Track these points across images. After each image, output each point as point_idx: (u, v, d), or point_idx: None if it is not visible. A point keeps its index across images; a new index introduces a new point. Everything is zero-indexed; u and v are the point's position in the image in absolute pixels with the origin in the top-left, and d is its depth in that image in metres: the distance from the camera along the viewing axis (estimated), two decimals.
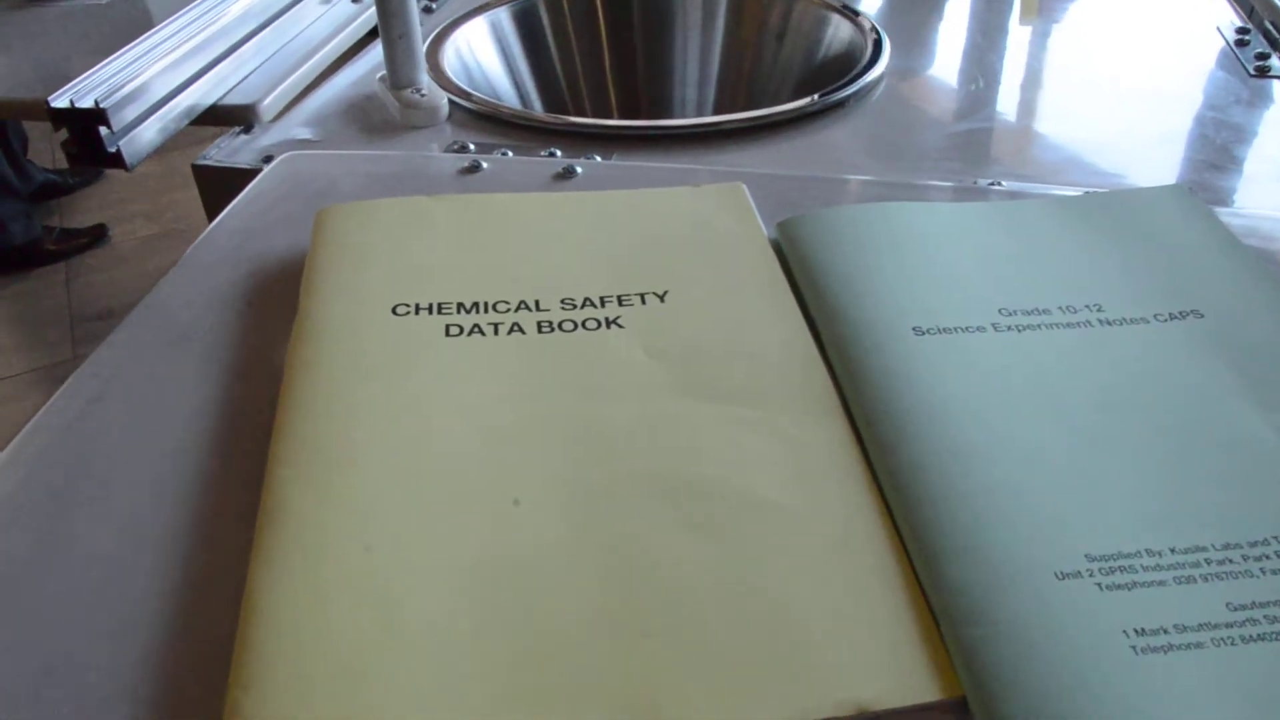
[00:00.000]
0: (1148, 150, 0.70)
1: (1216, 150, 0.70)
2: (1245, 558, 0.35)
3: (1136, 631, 0.33)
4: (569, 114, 0.82)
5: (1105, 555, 0.35)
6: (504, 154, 0.65)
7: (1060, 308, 0.46)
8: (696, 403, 0.42)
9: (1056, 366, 0.43)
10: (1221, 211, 0.54)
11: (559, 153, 0.66)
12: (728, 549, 0.36)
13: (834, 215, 0.51)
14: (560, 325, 0.46)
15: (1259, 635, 0.33)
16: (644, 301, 0.48)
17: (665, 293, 0.48)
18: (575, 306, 0.47)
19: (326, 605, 0.33)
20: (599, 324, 0.46)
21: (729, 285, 0.49)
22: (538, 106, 0.86)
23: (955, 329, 0.44)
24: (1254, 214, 0.56)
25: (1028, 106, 0.77)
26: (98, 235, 2.64)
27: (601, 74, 0.89)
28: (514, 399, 0.42)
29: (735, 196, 0.55)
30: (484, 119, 0.71)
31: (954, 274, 0.47)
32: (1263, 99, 0.77)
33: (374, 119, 0.73)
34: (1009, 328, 0.44)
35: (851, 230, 0.50)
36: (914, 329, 0.44)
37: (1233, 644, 0.32)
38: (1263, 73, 0.80)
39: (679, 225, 0.53)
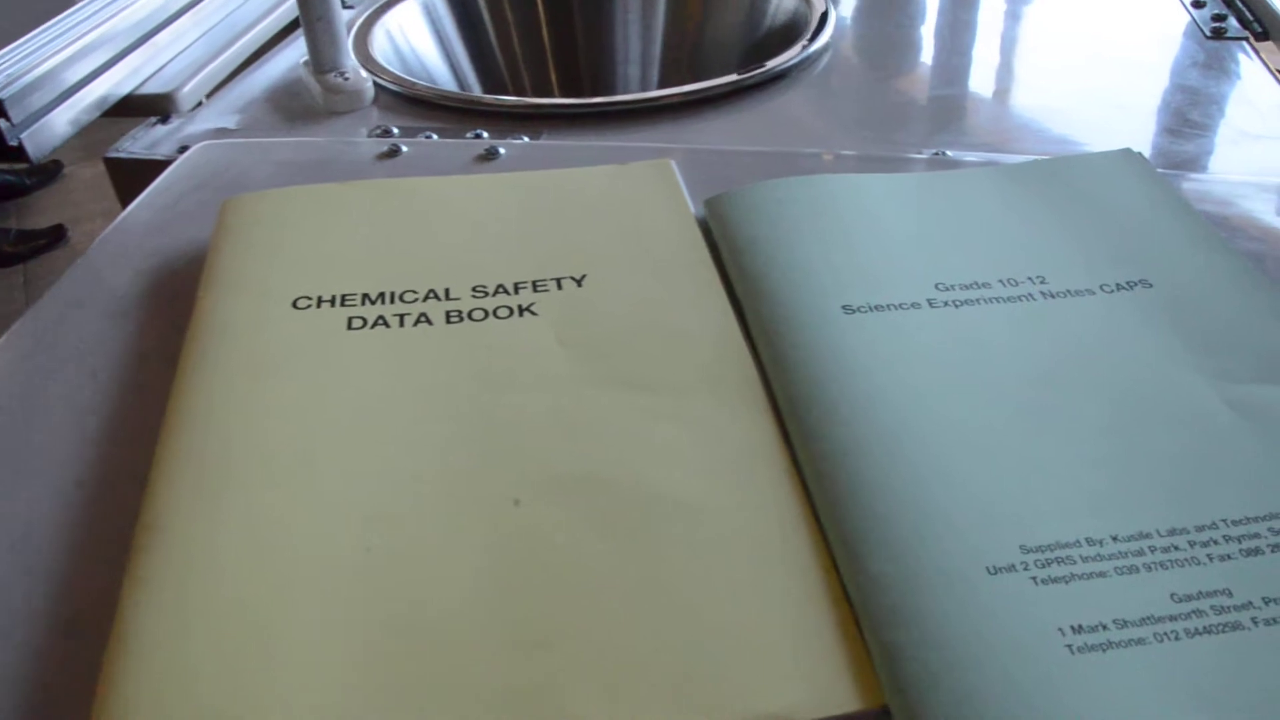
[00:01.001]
0: (1100, 115, 0.67)
1: (1171, 114, 0.67)
2: (1192, 544, 0.33)
3: (1073, 629, 0.30)
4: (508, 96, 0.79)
5: (1042, 546, 0.32)
6: (428, 137, 0.62)
7: (1001, 281, 0.43)
8: (609, 393, 0.39)
9: (995, 343, 0.40)
10: (1173, 176, 0.52)
11: (486, 134, 0.63)
12: (636, 550, 0.33)
13: (762, 190, 0.48)
14: (470, 314, 0.44)
15: (1205, 628, 0.30)
16: (560, 287, 0.45)
17: (583, 277, 0.45)
18: (487, 294, 0.45)
19: (201, 632, 0.30)
20: (511, 312, 0.44)
21: (651, 267, 0.46)
22: (477, 90, 0.83)
23: (887, 306, 0.41)
24: (1206, 178, 0.53)
25: (978, 74, 0.74)
26: (57, 236, 2.58)
27: (541, 54, 0.86)
28: (413, 395, 0.39)
29: (662, 174, 0.52)
30: (410, 102, 0.68)
31: (888, 248, 0.45)
32: (1218, 61, 0.74)
33: (298, 106, 0.70)
34: (945, 303, 0.42)
35: (780, 205, 0.47)
36: (843, 307, 0.41)
37: (1176, 638, 0.30)
38: (1219, 34, 0.78)
39: (601, 206, 0.50)
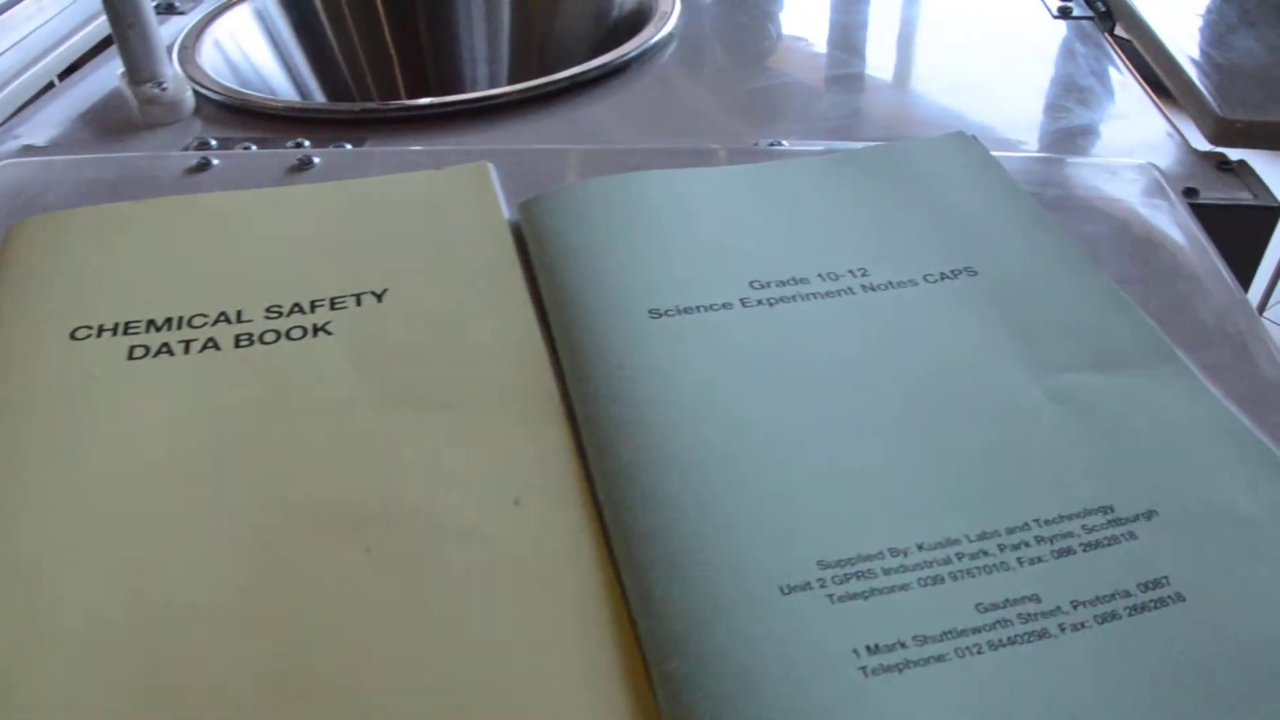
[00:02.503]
0: (948, 99, 0.66)
1: (1015, 95, 0.66)
2: (1002, 547, 0.31)
3: (869, 649, 0.28)
4: (335, 102, 0.75)
5: (841, 560, 0.30)
6: (247, 148, 0.59)
7: (820, 275, 0.41)
8: (398, 415, 0.37)
9: (808, 343, 0.38)
10: (1009, 157, 0.50)
11: (308, 144, 0.59)
12: (417, 588, 0.31)
13: (574, 191, 0.45)
14: (261, 337, 0.40)
15: (1010, 639, 0.28)
16: (359, 303, 0.42)
17: (384, 291, 0.43)
18: (282, 314, 0.42)
19: None
20: (305, 332, 0.41)
21: (456, 278, 0.43)
22: (319, 97, 0.79)
23: (697, 308, 0.39)
24: (1043, 158, 0.52)
25: (823, 61, 0.73)
26: None
27: (386, 58, 0.82)
28: (188, 427, 0.36)
29: (478, 178, 0.50)
30: (234, 112, 0.64)
31: (704, 247, 0.42)
32: (1064, 40, 0.74)
33: (115, 120, 0.66)
34: (759, 302, 0.40)
35: (593, 205, 0.44)
36: (650, 312, 0.39)
37: (979, 652, 0.28)
38: (1065, 14, 0.77)
39: (410, 214, 0.47)
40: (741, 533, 0.31)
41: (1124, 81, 0.68)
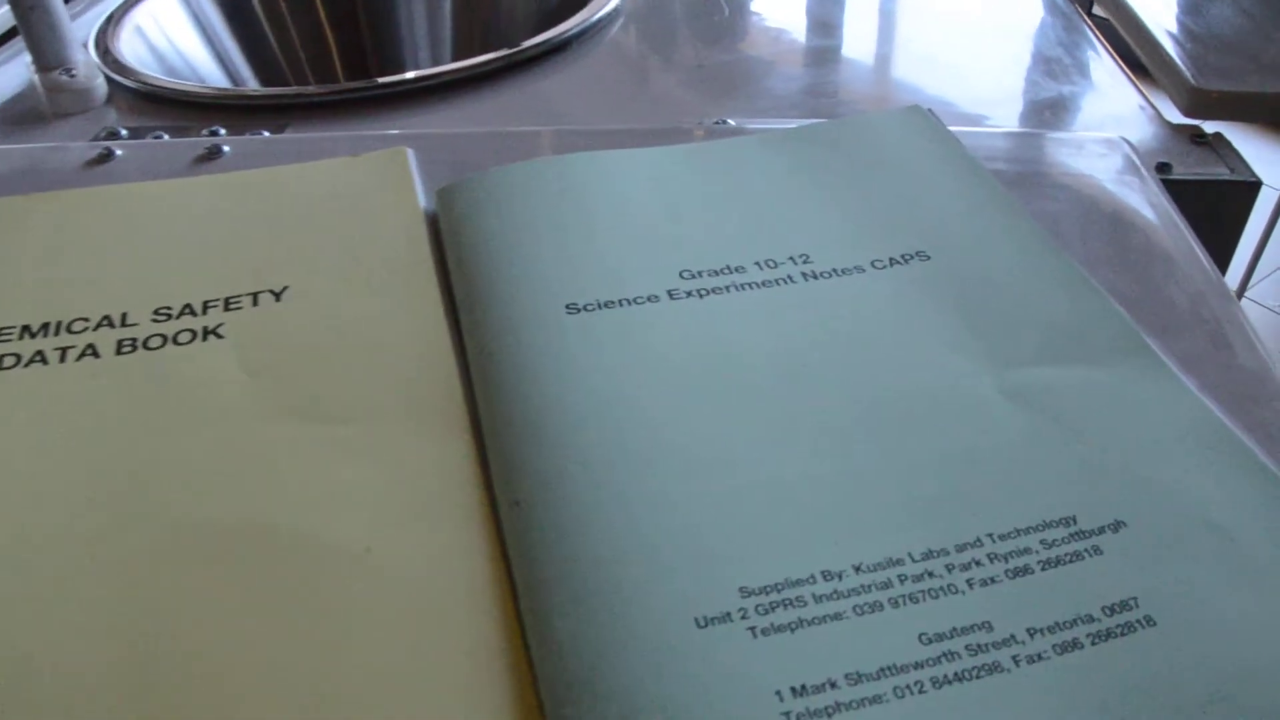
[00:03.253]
0: (907, 74, 0.62)
1: (981, 70, 0.62)
2: (950, 568, 0.27)
3: (794, 691, 0.24)
4: (254, 87, 0.71)
5: (767, 586, 0.27)
6: (158, 137, 0.55)
7: (758, 263, 0.37)
8: (290, 426, 0.33)
9: (742, 338, 0.34)
10: (971, 132, 0.46)
11: (224, 131, 0.55)
12: (296, 619, 0.27)
13: (496, 176, 0.42)
14: (146, 342, 0.37)
15: (956, 674, 0.25)
16: (256, 302, 0.38)
17: (284, 290, 0.39)
18: (171, 316, 0.38)
19: None
20: (195, 336, 0.37)
21: (363, 274, 0.39)
22: (253, 85, 0.75)
23: (620, 302, 0.35)
24: (1006, 131, 0.48)
25: (779, 36, 0.69)
26: None
27: (322, 40, 0.78)
28: (56, 444, 0.33)
29: (395, 165, 0.46)
30: (149, 100, 0.60)
31: (631, 234, 0.39)
32: (1038, 18, 0.70)
33: (21, 109, 0.61)
34: (689, 293, 0.36)
35: (514, 192, 0.41)
36: (568, 307, 0.35)
37: (921, 690, 0.24)
38: None
39: (317, 205, 0.43)
40: (657, 557, 0.27)
41: (1097, 57, 0.64)
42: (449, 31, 0.79)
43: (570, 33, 0.63)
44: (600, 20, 0.66)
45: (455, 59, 0.74)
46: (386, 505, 0.30)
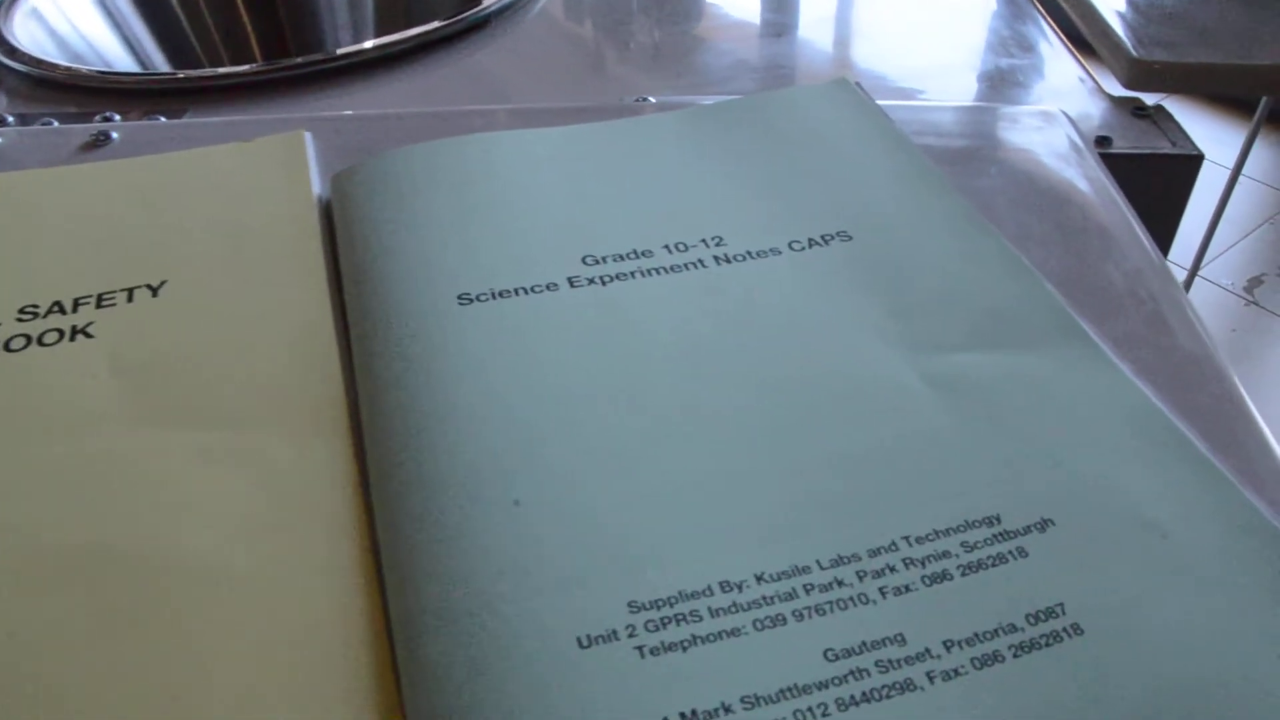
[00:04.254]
0: (839, 48, 0.60)
1: (915, 44, 0.60)
2: (861, 575, 0.25)
3: (684, 716, 0.22)
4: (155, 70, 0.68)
5: (659, 600, 0.24)
6: (47, 123, 0.51)
7: (668, 247, 0.35)
8: (160, 432, 0.30)
9: (645, 327, 0.32)
10: (900, 105, 0.44)
11: (118, 117, 0.52)
12: (153, 648, 0.24)
13: (393, 160, 0.39)
14: (8, 344, 0.34)
15: (865, 694, 0.22)
16: (131, 298, 0.35)
17: (161, 284, 0.36)
18: (38, 315, 0.35)
19: None
20: (62, 335, 0.34)
21: (248, 266, 0.37)
22: (165, 68, 0.71)
23: (515, 291, 0.33)
24: (937, 105, 0.46)
25: (710, 10, 0.66)
26: None
27: (237, 21, 0.75)
28: None
29: (290, 150, 0.43)
30: (41, 85, 0.56)
31: (532, 218, 0.36)
32: None
33: None
34: (591, 280, 0.33)
35: (410, 176, 0.38)
36: (459, 297, 0.32)
37: (825, 714, 0.22)
38: None
39: (205, 193, 0.40)
40: (537, 568, 0.25)
41: (1039, 31, 0.62)
42: (371, 9, 0.76)
43: (488, 10, 0.60)
44: None
45: (379, 37, 0.71)
46: (253, 518, 0.28)
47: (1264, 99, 1.18)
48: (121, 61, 0.69)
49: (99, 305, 0.35)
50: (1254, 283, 1.77)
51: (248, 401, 0.31)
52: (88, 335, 0.34)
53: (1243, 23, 0.57)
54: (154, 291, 0.36)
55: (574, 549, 0.25)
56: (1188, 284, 1.44)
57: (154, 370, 0.33)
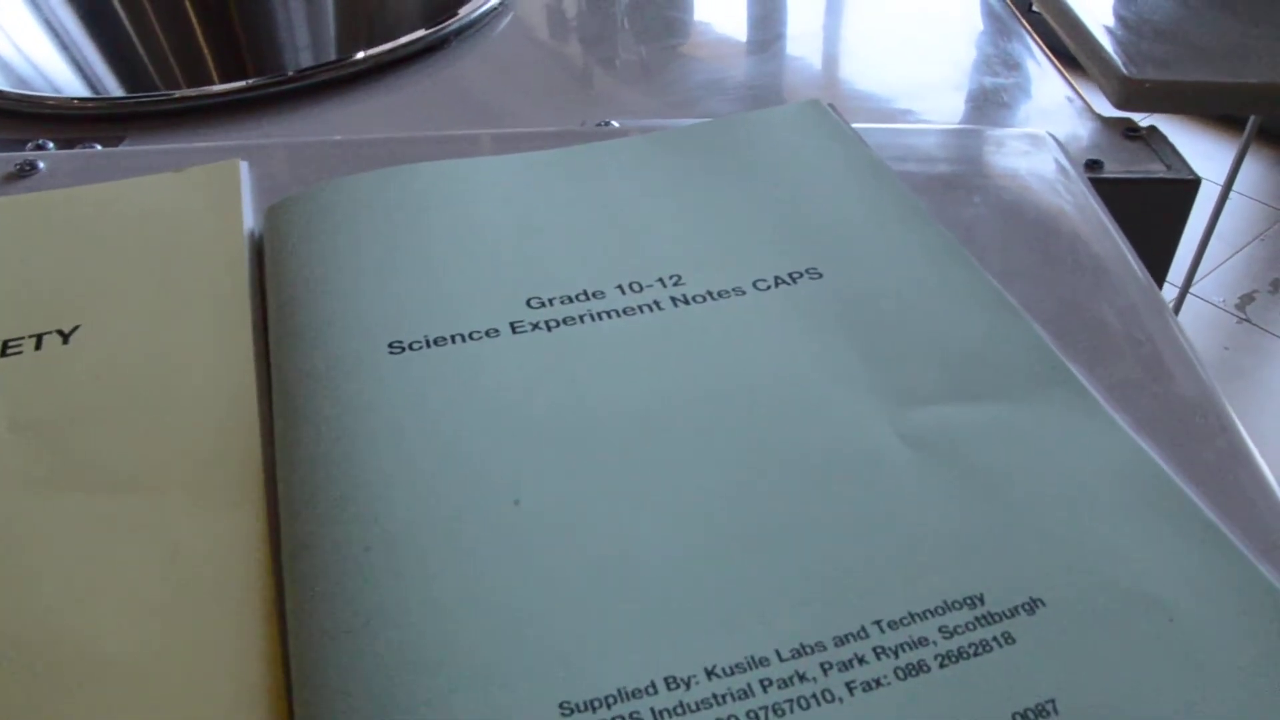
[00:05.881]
0: (820, 69, 0.57)
1: (898, 64, 0.57)
2: (826, 668, 0.22)
3: None
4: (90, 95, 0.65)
5: (595, 700, 0.21)
6: None
7: (621, 287, 0.32)
8: (56, 496, 0.27)
9: (593, 379, 0.29)
10: (878, 129, 0.41)
11: (51, 145, 0.49)
12: None
13: (331, 191, 0.36)
14: None
15: None
16: (39, 345, 0.32)
17: (74, 329, 0.33)
18: None
19: None
20: None
21: (169, 309, 0.34)
22: (118, 93, 0.68)
23: (452, 338, 0.30)
24: (918, 128, 0.43)
25: (683, 29, 0.63)
26: None
27: (193, 43, 0.72)
28: None
29: (224, 181, 0.40)
30: None
31: (474, 256, 0.33)
32: (967, 14, 0.65)
33: None
34: (535, 325, 0.30)
35: (347, 209, 0.35)
36: (390, 345, 0.29)
37: None
38: None
39: (129, 228, 0.38)
40: (462, 661, 0.21)
41: (1028, 51, 0.59)
42: (332, 31, 0.73)
43: (448, 30, 0.57)
44: (482, 17, 0.60)
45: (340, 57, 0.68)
46: (154, 597, 0.25)
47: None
48: (70, 85, 0.66)
49: (4, 354, 0.33)
50: (1246, 299, 1.75)
51: (157, 462, 0.28)
52: None
53: (1235, 38, 0.54)
54: (65, 338, 0.33)
55: (502, 639, 0.22)
56: (1179, 302, 1.42)
57: (55, 426, 0.30)
